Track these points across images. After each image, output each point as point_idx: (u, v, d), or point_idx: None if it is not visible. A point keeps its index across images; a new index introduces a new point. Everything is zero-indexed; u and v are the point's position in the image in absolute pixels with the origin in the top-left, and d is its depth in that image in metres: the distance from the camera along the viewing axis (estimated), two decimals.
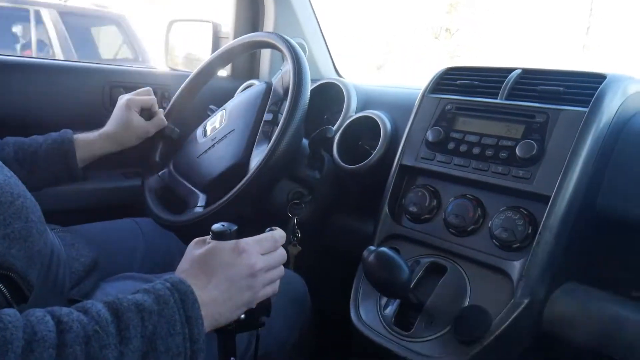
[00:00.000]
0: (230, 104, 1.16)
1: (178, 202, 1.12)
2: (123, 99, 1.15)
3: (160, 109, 1.21)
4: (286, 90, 0.99)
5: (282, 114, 0.97)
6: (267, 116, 1.04)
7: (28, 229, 0.69)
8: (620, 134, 0.85)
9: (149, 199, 1.13)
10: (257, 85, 1.14)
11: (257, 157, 1.00)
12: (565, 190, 0.80)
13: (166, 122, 1.21)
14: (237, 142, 1.06)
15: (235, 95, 1.55)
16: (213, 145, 1.11)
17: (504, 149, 0.88)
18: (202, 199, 1.08)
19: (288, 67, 1.00)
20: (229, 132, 1.09)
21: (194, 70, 1.26)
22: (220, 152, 1.09)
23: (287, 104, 0.99)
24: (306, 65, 1.03)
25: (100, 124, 1.15)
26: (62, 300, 0.78)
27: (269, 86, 1.10)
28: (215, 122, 1.14)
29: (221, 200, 0.96)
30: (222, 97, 1.52)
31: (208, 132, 1.14)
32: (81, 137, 1.10)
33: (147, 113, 1.18)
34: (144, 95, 1.18)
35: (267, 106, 1.06)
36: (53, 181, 1.08)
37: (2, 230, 0.64)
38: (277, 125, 0.97)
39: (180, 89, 1.24)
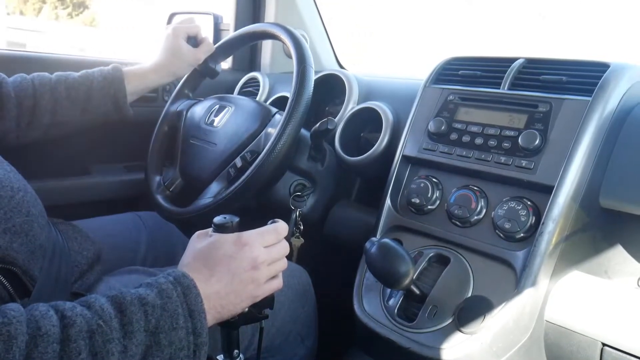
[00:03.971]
0: (236, 106, 1.16)
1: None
2: (169, 28, 1.15)
3: (207, 36, 1.20)
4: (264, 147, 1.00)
5: (250, 167, 0.97)
6: (238, 161, 1.03)
7: (29, 223, 0.69)
8: (623, 123, 0.84)
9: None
10: (258, 110, 1.13)
11: (211, 192, 1.02)
12: (568, 180, 0.80)
13: (214, 48, 1.20)
14: (211, 159, 1.07)
15: (239, 88, 1.55)
16: (202, 140, 1.12)
17: (506, 139, 0.87)
18: (175, 180, 1.13)
19: (279, 125, 0.99)
20: (213, 144, 1.10)
21: None
22: (201, 154, 1.11)
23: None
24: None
25: None
26: (66, 294, 0.78)
27: (264, 121, 1.09)
28: (217, 117, 1.14)
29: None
30: (223, 90, 1.52)
31: (207, 122, 1.14)
32: (133, 70, 1.11)
33: (193, 41, 1.18)
34: (189, 24, 1.17)
35: (246, 149, 1.05)
36: (103, 120, 1.09)
37: (3, 225, 0.65)
38: (243, 174, 0.97)
39: (222, 40, 1.24)
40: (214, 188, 1.02)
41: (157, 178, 1.15)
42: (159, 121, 1.22)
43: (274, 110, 1.13)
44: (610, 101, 0.82)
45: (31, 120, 1.00)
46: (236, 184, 0.97)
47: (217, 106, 1.17)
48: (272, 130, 1.03)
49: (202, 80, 1.27)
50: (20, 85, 1.00)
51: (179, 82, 1.26)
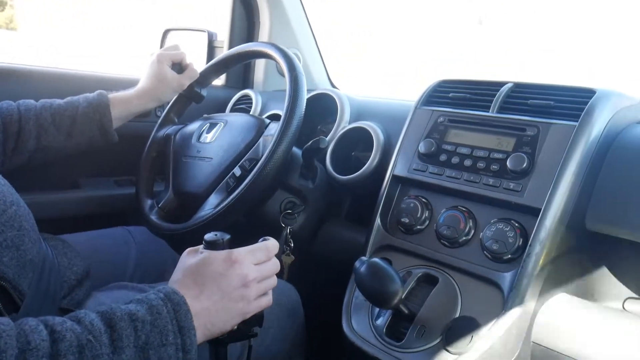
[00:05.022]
0: (228, 122, 1.17)
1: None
2: (154, 55, 1.16)
3: (191, 62, 1.20)
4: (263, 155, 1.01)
5: (250, 174, 0.98)
6: (237, 170, 1.04)
7: (21, 237, 0.69)
8: (609, 148, 0.86)
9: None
10: (252, 120, 1.14)
11: (210, 204, 1.02)
12: (555, 203, 0.81)
13: (198, 74, 1.21)
14: (208, 174, 1.07)
15: (231, 105, 1.56)
16: (195, 157, 1.12)
17: (495, 162, 0.89)
18: (169, 201, 1.12)
19: (276, 130, 1.00)
20: (208, 158, 1.10)
21: None
22: (195, 170, 1.11)
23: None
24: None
25: None
26: (54, 310, 0.78)
27: (259, 130, 1.10)
28: (209, 134, 1.15)
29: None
30: (215, 107, 1.53)
31: (200, 139, 1.15)
32: (118, 96, 1.11)
33: (178, 67, 1.19)
34: (174, 50, 1.18)
35: (244, 158, 1.06)
36: (88, 145, 1.09)
37: None
38: (243, 182, 0.98)
39: (215, 59, 1.25)
40: (213, 200, 1.02)
41: (149, 201, 1.14)
42: (146, 148, 1.22)
43: (268, 120, 1.14)
44: (596, 126, 0.84)
45: (16, 146, 1.00)
46: (237, 190, 0.97)
47: (207, 124, 1.18)
48: (270, 137, 1.04)
49: (188, 105, 1.27)
50: (6, 110, 1.00)
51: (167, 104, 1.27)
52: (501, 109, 0.94)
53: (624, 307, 0.91)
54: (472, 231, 0.90)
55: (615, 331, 0.78)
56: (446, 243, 0.91)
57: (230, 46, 1.61)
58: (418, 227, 0.96)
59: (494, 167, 0.89)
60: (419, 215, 0.95)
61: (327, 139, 1.21)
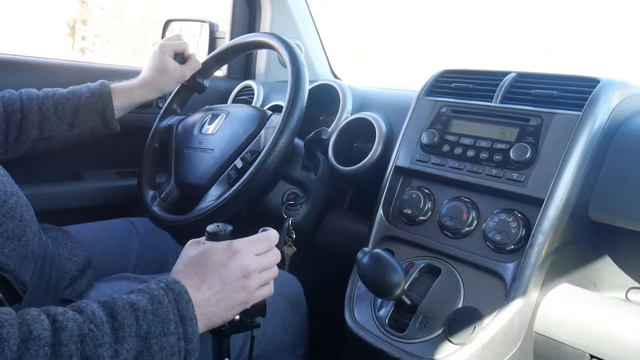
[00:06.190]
0: (230, 113, 1.16)
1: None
2: (156, 45, 1.15)
3: (194, 53, 1.20)
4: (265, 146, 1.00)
5: (251, 167, 0.97)
6: (238, 162, 1.03)
7: (22, 227, 0.69)
8: (613, 138, 0.85)
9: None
10: (254, 112, 1.14)
11: (212, 196, 1.02)
12: (558, 193, 0.81)
13: (200, 64, 1.21)
14: (210, 165, 1.07)
15: (233, 96, 1.55)
16: (197, 149, 1.12)
17: (498, 152, 0.89)
18: (171, 192, 1.12)
19: (277, 122, 1.00)
20: (210, 150, 1.10)
21: None
22: (197, 161, 1.10)
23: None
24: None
25: None
26: (56, 301, 0.78)
27: (261, 121, 1.10)
28: (211, 125, 1.15)
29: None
30: (217, 98, 1.53)
31: (202, 130, 1.15)
32: (120, 85, 1.11)
33: (180, 57, 1.18)
34: (176, 40, 1.18)
35: (245, 149, 1.05)
36: (90, 135, 1.09)
37: None
38: (244, 174, 0.97)
39: (217, 50, 1.24)
40: (215, 192, 1.02)
41: (151, 192, 1.14)
42: (149, 138, 1.22)
43: (269, 112, 1.14)
44: (600, 116, 0.83)
45: (19, 135, 1.00)
46: (239, 183, 0.97)
47: (209, 115, 1.17)
48: (271, 129, 1.03)
49: (191, 95, 1.27)
50: (8, 100, 1.00)
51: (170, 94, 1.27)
52: (504, 99, 0.93)
53: (627, 297, 0.91)
54: (475, 222, 0.89)
55: (618, 321, 0.78)
56: (449, 234, 0.91)
57: (232, 37, 1.61)
58: (421, 218, 0.95)
59: (497, 157, 0.88)
60: (421, 206, 0.95)
61: (330, 129, 1.20)
